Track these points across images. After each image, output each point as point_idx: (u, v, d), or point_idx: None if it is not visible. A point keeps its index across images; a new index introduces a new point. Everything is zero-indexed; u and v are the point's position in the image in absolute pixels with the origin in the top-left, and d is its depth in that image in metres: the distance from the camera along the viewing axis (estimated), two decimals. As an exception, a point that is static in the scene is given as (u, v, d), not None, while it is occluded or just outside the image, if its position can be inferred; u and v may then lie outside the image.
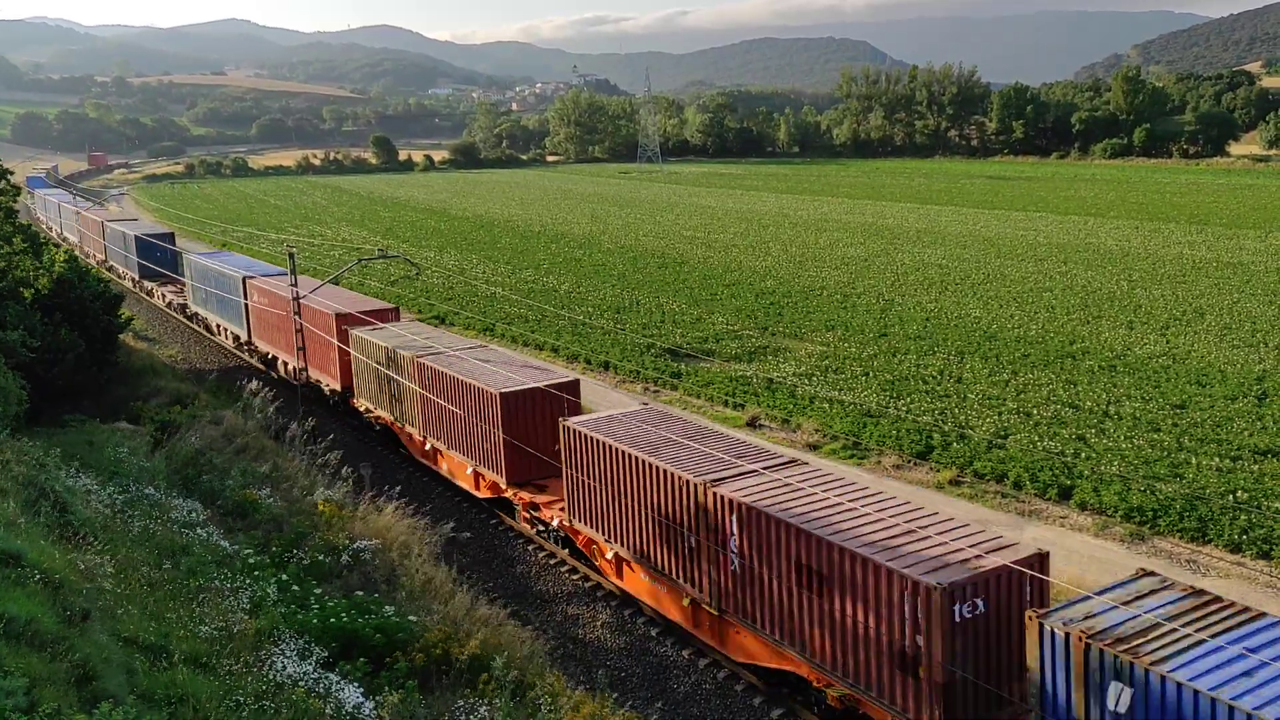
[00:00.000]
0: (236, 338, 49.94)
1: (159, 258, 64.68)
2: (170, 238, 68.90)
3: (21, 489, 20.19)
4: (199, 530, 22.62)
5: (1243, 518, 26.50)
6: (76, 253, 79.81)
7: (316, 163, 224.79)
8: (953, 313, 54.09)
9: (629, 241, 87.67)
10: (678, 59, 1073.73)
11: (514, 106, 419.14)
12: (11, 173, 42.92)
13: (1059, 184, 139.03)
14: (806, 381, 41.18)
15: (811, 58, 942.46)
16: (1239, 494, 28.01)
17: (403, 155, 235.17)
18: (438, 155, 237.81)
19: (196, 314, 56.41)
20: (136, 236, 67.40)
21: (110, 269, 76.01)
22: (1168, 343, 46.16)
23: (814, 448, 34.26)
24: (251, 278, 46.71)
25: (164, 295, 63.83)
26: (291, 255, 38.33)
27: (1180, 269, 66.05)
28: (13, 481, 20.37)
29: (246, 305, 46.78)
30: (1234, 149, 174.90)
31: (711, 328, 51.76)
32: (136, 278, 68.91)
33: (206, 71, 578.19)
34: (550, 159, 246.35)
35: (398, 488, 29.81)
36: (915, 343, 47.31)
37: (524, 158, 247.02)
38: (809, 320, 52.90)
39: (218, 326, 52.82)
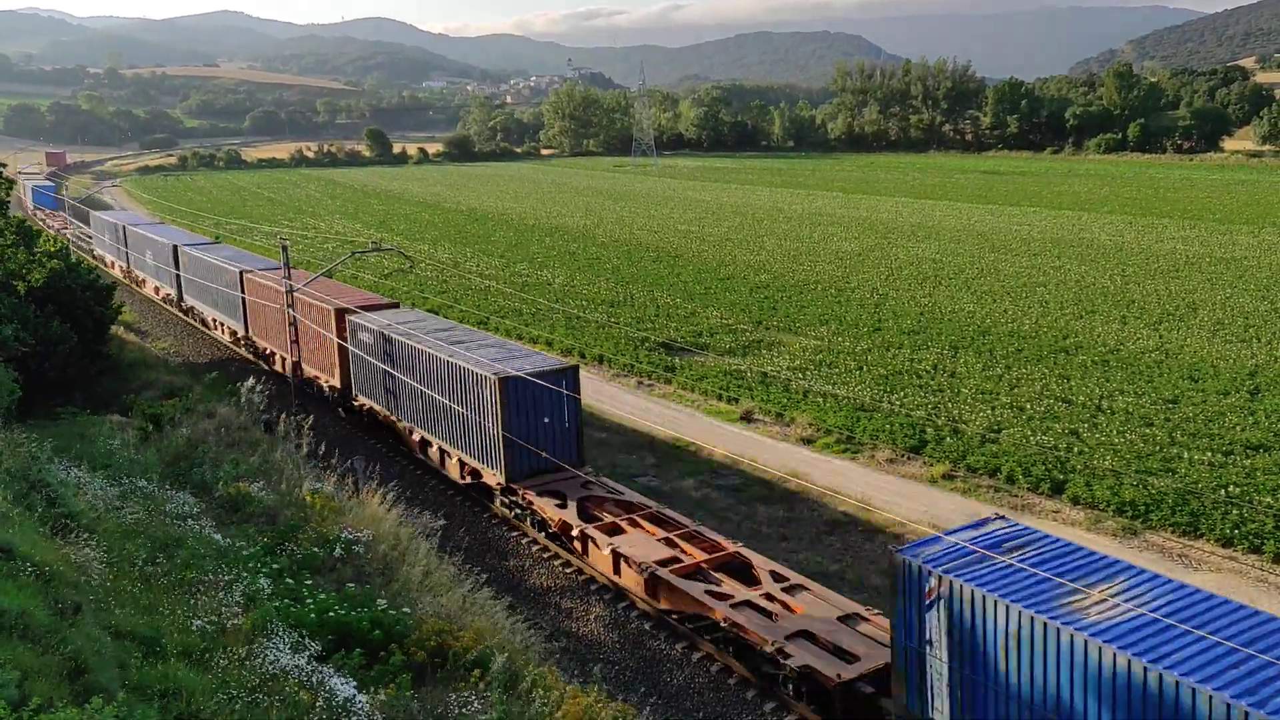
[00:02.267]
0: None
1: (552, 425, 28.11)
2: (572, 377, 28.66)
3: (13, 481, 20.12)
4: (191, 523, 22.57)
5: (1234, 512, 26.60)
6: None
7: (310, 155, 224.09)
8: (946, 307, 54.13)
9: (623, 235, 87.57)
10: (672, 53, 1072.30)
11: (508, 100, 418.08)
12: (3, 165, 42.74)
13: (1053, 179, 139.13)
14: (800, 376, 41.19)
15: (806, 52, 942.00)
16: (1231, 488, 28.10)
17: (397, 148, 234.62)
18: (432, 148, 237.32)
19: None
20: (504, 379, 27.29)
21: (391, 422, 34.23)
22: (1161, 338, 46.26)
23: (808, 441, 34.28)
24: None
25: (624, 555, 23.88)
26: (285, 248, 38.25)
27: (1173, 264, 66.17)
28: (4, 474, 20.31)
29: None
30: (1228, 144, 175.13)
31: (705, 322, 51.75)
32: (502, 478, 28.19)
33: (199, 63, 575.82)
34: (545, 152, 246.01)
35: (388, 479, 29.76)
36: (909, 337, 47.35)
37: (518, 151, 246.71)
38: (803, 314, 52.91)
39: None
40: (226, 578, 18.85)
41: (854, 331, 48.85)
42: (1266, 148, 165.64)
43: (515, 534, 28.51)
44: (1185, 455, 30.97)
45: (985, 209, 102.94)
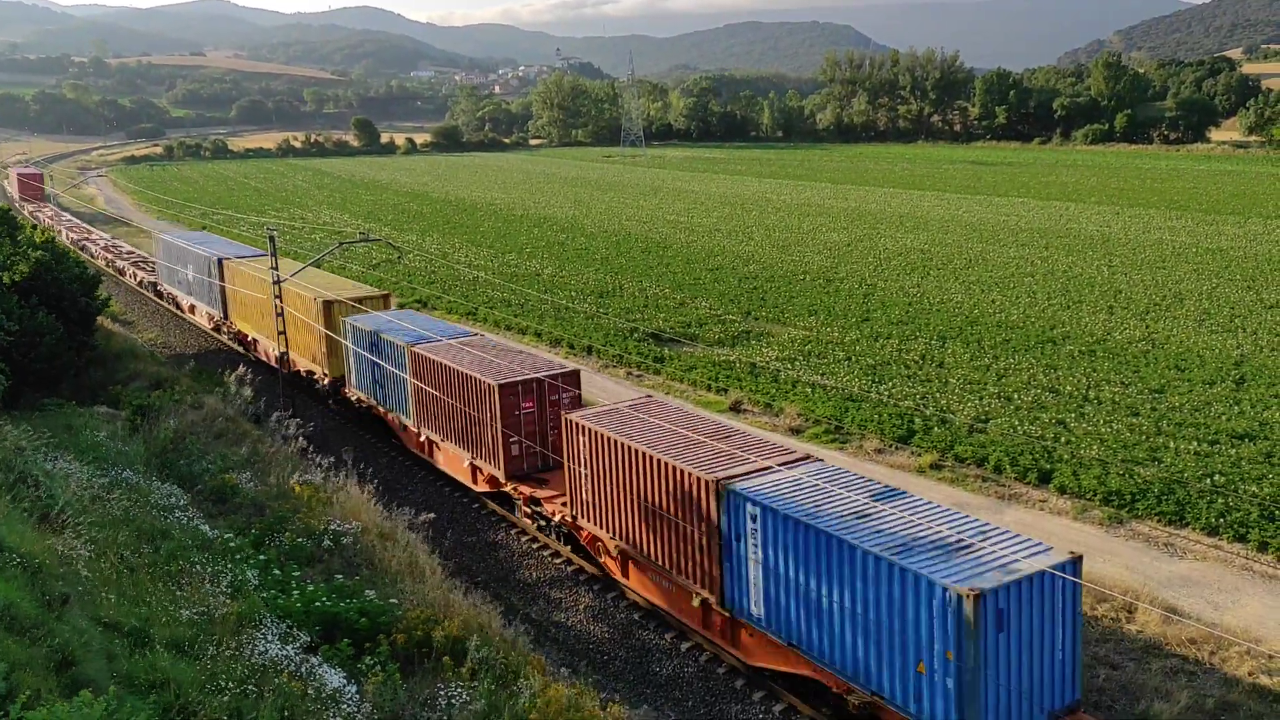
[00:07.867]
0: None
1: None
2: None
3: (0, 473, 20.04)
4: (178, 514, 22.50)
5: (1220, 501, 26.77)
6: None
7: (297, 145, 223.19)
8: (934, 297, 54.26)
9: (612, 226, 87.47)
10: (661, 43, 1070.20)
11: (496, 89, 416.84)
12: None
13: (1040, 169, 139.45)
14: (789, 366, 41.25)
15: (796, 42, 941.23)
16: (1216, 477, 28.28)
17: (385, 138, 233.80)
18: (420, 138, 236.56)
19: None
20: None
21: None
22: (1147, 328, 46.47)
23: (796, 431, 34.36)
24: None
25: None
26: (272, 238, 38.09)
27: (1160, 254, 66.44)
28: (-10, 466, 20.22)
29: None
30: (1214, 135, 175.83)
31: (695, 312, 51.75)
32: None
33: (185, 52, 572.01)
34: (533, 142, 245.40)
35: (378, 472, 29.72)
36: (897, 327, 47.46)
37: (507, 141, 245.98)
38: (792, 305, 52.96)
39: None
40: (213, 569, 18.80)
41: (842, 322, 48.94)
42: (1253, 138, 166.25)
43: (504, 525, 28.52)
44: (1171, 445, 31.14)
45: (973, 199, 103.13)
